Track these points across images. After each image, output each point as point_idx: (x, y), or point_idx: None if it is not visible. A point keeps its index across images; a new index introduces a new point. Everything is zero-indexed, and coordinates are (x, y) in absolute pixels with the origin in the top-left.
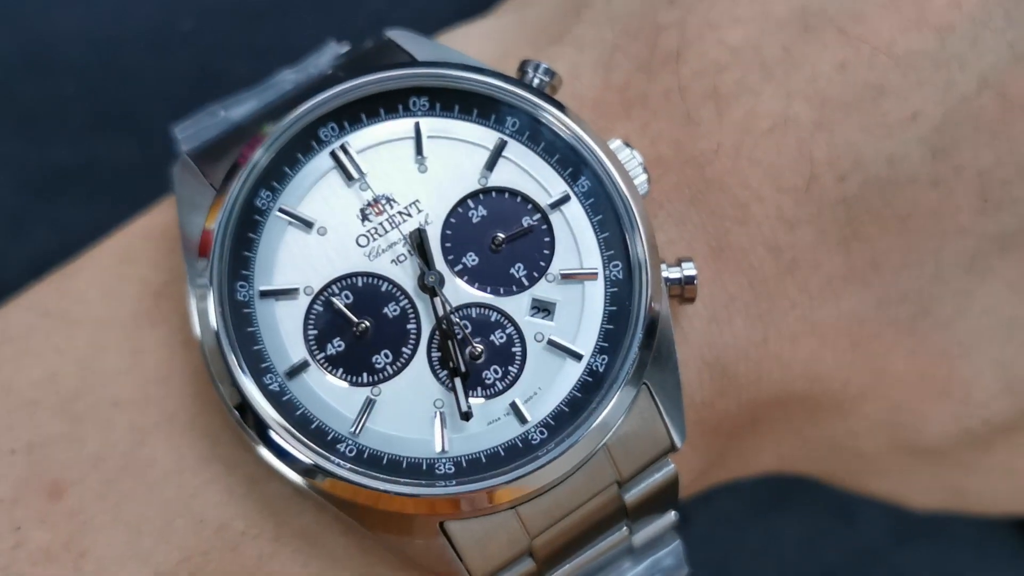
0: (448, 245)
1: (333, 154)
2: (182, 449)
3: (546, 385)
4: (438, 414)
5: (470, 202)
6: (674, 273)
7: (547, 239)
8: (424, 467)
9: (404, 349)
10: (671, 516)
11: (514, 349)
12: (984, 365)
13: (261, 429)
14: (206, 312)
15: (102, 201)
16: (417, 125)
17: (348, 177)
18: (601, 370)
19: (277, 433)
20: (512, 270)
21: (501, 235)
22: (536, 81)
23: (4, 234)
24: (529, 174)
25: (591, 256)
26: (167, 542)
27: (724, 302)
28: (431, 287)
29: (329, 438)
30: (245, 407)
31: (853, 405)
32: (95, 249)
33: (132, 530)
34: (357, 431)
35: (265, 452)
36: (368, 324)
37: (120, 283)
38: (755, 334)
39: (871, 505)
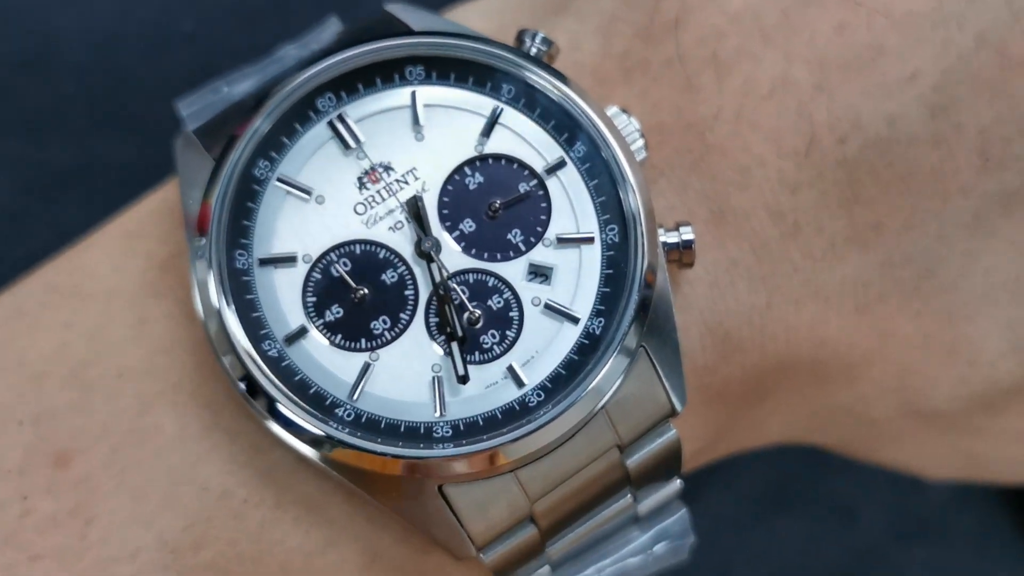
0: (445, 212)
1: (331, 124)
2: (186, 418)
3: (543, 348)
4: (436, 379)
5: (467, 169)
6: (672, 237)
7: (543, 204)
8: (422, 431)
9: (402, 315)
10: (676, 484)
11: (511, 313)
12: (990, 326)
13: (270, 404)
14: (207, 288)
15: (102, 201)
16: (413, 94)
17: (346, 146)
18: (598, 332)
19: (284, 405)
20: (509, 236)
21: (498, 201)
22: (534, 50)
23: (4, 234)
24: (525, 140)
25: (588, 220)
26: (171, 509)
27: (726, 267)
28: (427, 253)
29: (328, 403)
30: (251, 381)
31: (860, 370)
32: (105, 226)
33: (137, 497)
34: (355, 396)
35: (273, 425)
36: (366, 291)
37: (127, 257)
38: (758, 299)
39: (871, 505)
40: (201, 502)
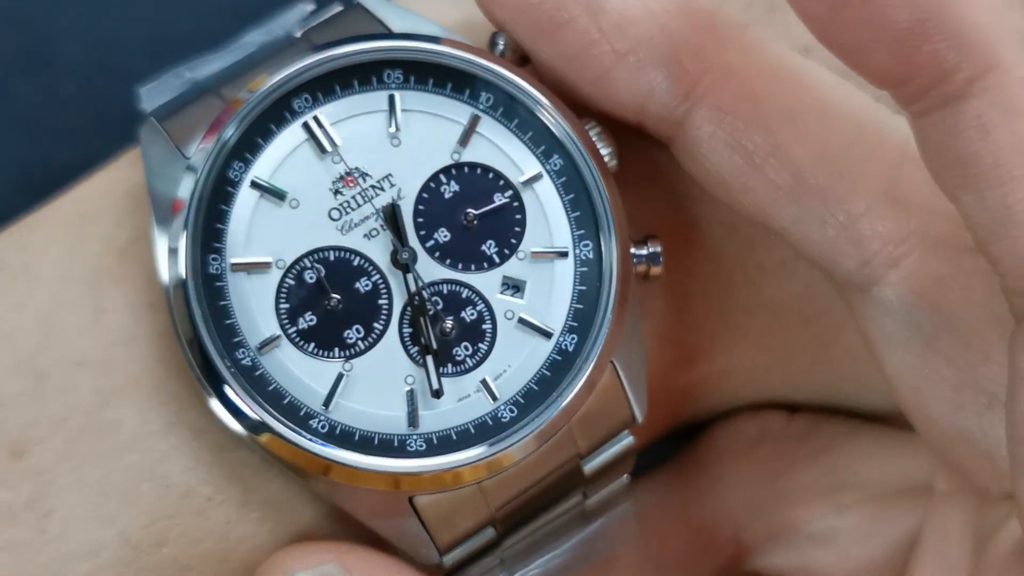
0: (420, 220)
1: (306, 125)
2: (147, 413)
3: (516, 363)
4: (410, 391)
5: (442, 177)
6: (640, 250)
7: (518, 216)
8: (395, 443)
9: (376, 324)
10: (624, 479)
11: (484, 326)
12: None
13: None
14: (176, 258)
15: None
16: (391, 98)
17: (321, 150)
18: (571, 349)
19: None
20: (483, 247)
21: (473, 212)
22: (507, 54)
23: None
24: (502, 150)
25: (562, 235)
26: (133, 505)
27: (680, 277)
28: (404, 263)
29: (302, 413)
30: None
31: (799, 379)
32: (52, 204)
33: (97, 492)
34: (330, 407)
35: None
36: (339, 299)
37: (81, 239)
38: (711, 308)
39: None
40: (164, 499)
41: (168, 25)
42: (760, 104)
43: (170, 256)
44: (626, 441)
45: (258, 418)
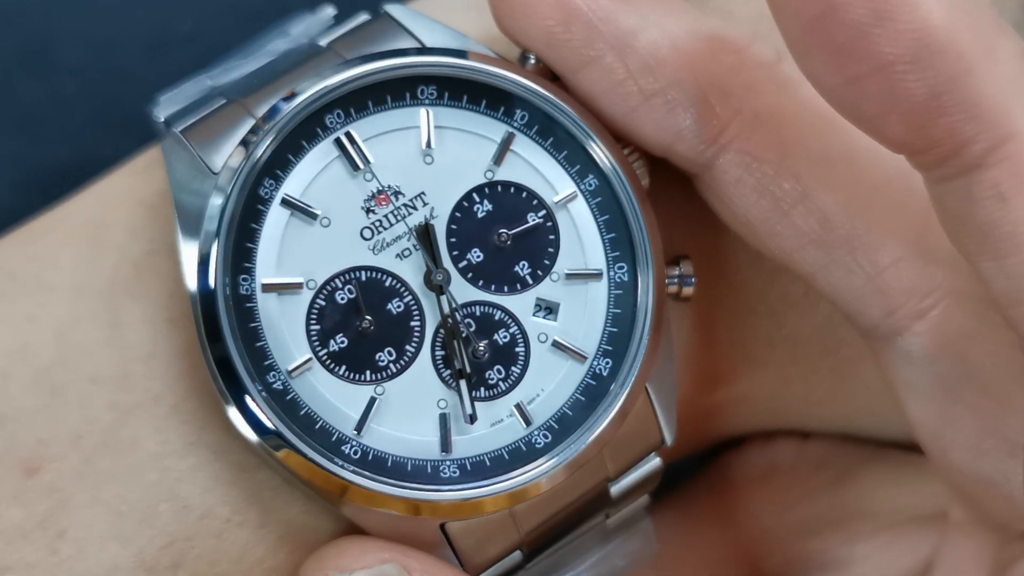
0: (453, 240)
1: (338, 141)
2: (167, 432)
3: (549, 387)
4: (443, 415)
5: (476, 196)
6: (673, 271)
7: (552, 237)
8: (429, 470)
9: (408, 347)
10: (644, 498)
11: (518, 349)
12: None
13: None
14: (206, 277)
15: None
16: (424, 114)
17: (353, 167)
18: (605, 373)
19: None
20: (517, 268)
21: (506, 232)
22: (536, 67)
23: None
24: (536, 169)
25: (596, 256)
26: (151, 526)
27: (705, 302)
28: (438, 285)
29: (334, 439)
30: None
31: (815, 409)
32: (58, 210)
33: (113, 512)
34: (361, 431)
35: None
36: (371, 320)
37: (94, 249)
38: (733, 336)
39: None
40: (182, 520)
41: (168, 25)
42: (789, 150)
43: (199, 273)
44: (653, 463)
45: (275, 430)
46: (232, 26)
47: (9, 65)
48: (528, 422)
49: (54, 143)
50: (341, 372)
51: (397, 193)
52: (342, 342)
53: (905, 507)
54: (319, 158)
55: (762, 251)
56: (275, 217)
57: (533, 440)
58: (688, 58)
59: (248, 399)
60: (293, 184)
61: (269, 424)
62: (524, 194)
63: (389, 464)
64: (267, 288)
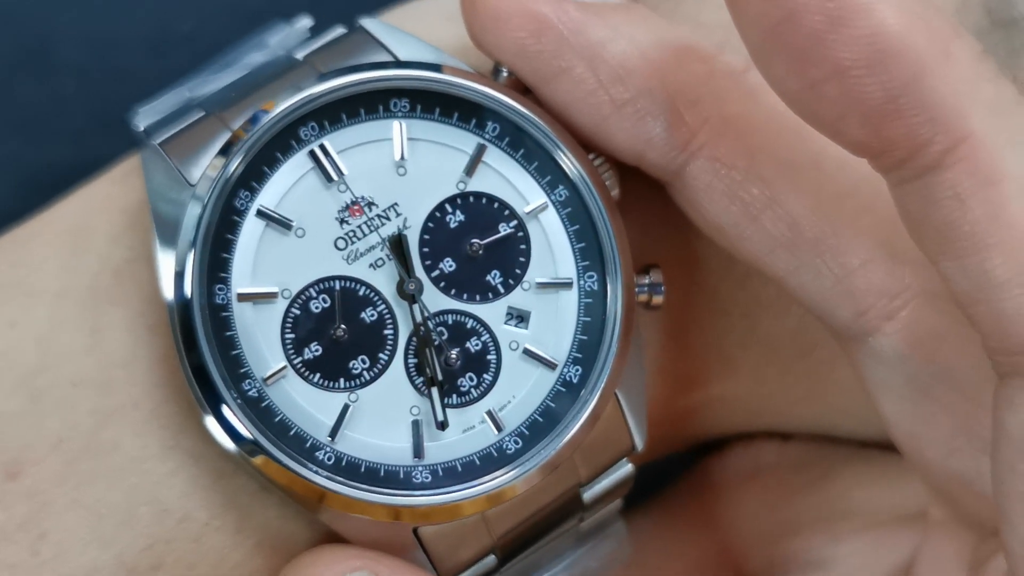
0: (426, 250)
1: (312, 154)
2: (146, 437)
3: (520, 394)
4: (415, 422)
5: (448, 207)
6: (643, 280)
7: (523, 247)
8: (401, 475)
9: (381, 355)
10: (617, 502)
11: (489, 357)
12: None
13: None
14: (182, 286)
15: None
16: (397, 127)
17: (327, 178)
18: (575, 380)
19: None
20: (488, 277)
21: (478, 242)
22: (511, 81)
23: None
24: (508, 180)
25: (566, 265)
26: (130, 529)
27: (678, 307)
28: (411, 294)
29: (308, 445)
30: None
31: (792, 409)
32: (42, 217)
33: (93, 514)
34: (335, 438)
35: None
36: (345, 329)
37: (76, 256)
38: (706, 339)
39: None
40: (161, 523)
41: (168, 25)
42: (757, 156)
43: (175, 282)
44: (625, 469)
45: (252, 439)
46: (232, 26)
47: (9, 65)
48: (499, 428)
49: (54, 143)
50: (315, 380)
51: (370, 204)
52: (316, 350)
53: (887, 507)
54: (294, 170)
55: (734, 254)
56: (250, 228)
57: (504, 446)
58: (657, 68)
59: (224, 408)
60: (268, 195)
61: (246, 433)
62: (496, 205)
63: (362, 469)
64: (242, 297)
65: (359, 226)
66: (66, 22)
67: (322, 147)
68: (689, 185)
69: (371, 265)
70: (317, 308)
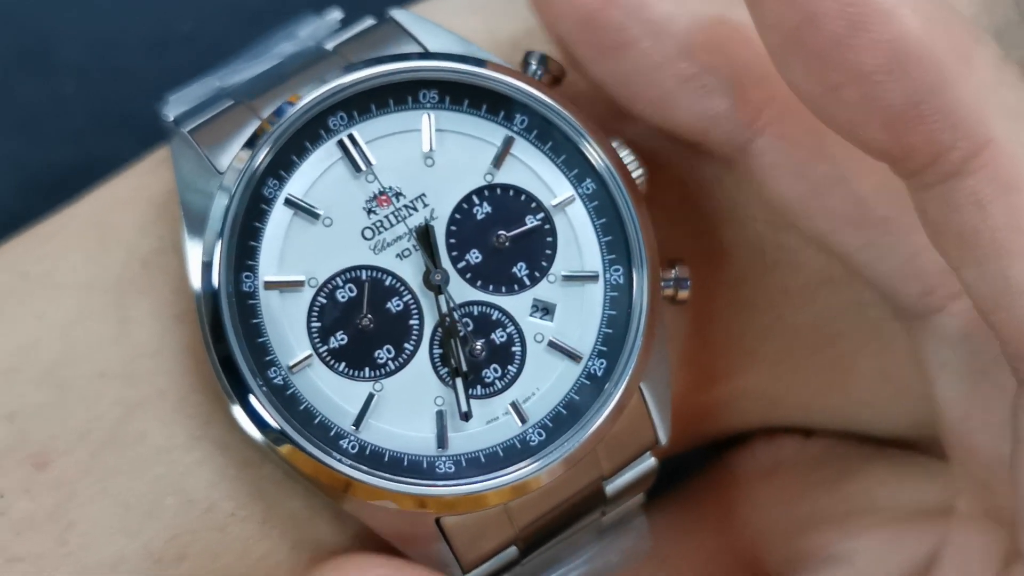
0: (452, 241)
1: (341, 143)
2: (173, 427)
3: (544, 386)
4: (439, 412)
5: (475, 198)
6: (668, 274)
7: (549, 239)
8: (425, 465)
9: (406, 345)
10: (639, 496)
11: (514, 348)
12: None
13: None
14: (210, 274)
15: None
16: (426, 118)
17: (355, 168)
18: (599, 374)
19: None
20: (514, 269)
21: (504, 233)
22: (539, 73)
23: (4, 234)
24: (535, 173)
25: (592, 259)
26: (157, 519)
27: (703, 299)
28: (437, 285)
29: (332, 433)
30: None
31: (814, 401)
32: (68, 211)
33: (120, 504)
34: (360, 427)
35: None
36: (371, 318)
37: (103, 247)
38: (731, 331)
39: None
40: (187, 514)
41: (168, 25)
42: (824, 134)
43: (203, 271)
44: (648, 463)
45: (279, 428)
46: (232, 26)
47: (9, 65)
48: (523, 420)
49: (54, 143)
50: (341, 368)
51: (398, 194)
52: (342, 339)
53: (907, 504)
54: (322, 159)
55: (800, 230)
56: (278, 216)
57: (528, 438)
58: (723, 44)
59: (252, 398)
60: (296, 185)
61: (273, 422)
62: (523, 197)
63: (386, 459)
64: (269, 286)
65: (386, 216)
66: (66, 22)
67: (351, 137)
68: (754, 162)
69: (398, 255)
70: (343, 297)
